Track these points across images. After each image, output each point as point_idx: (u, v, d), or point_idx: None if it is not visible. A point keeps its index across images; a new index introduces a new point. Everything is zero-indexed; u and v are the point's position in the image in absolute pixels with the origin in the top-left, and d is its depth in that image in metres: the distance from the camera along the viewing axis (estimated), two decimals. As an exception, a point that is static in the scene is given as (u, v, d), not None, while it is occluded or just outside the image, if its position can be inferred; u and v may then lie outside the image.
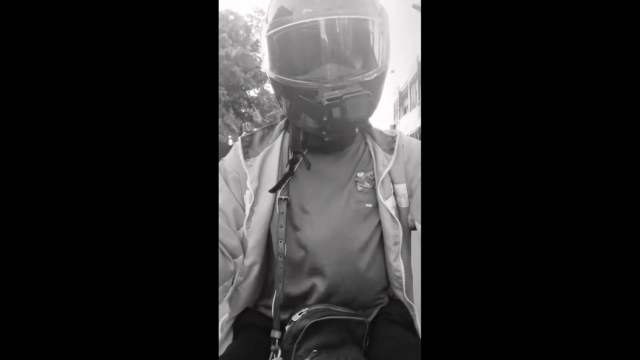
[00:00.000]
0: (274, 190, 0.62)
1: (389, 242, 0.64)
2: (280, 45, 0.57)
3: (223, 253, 0.60)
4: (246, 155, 0.66)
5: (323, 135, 0.60)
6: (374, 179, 0.65)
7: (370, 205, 0.64)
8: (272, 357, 0.56)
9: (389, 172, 0.65)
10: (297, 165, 0.65)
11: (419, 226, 0.63)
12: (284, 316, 0.61)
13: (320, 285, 0.61)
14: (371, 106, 0.58)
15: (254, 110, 11.11)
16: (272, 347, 0.57)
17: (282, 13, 0.56)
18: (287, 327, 0.57)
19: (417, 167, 0.66)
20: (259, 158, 0.66)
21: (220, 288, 0.62)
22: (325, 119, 0.55)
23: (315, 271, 0.62)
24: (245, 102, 11.24)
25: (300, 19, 0.54)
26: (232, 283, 0.65)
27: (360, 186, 0.65)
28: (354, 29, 0.55)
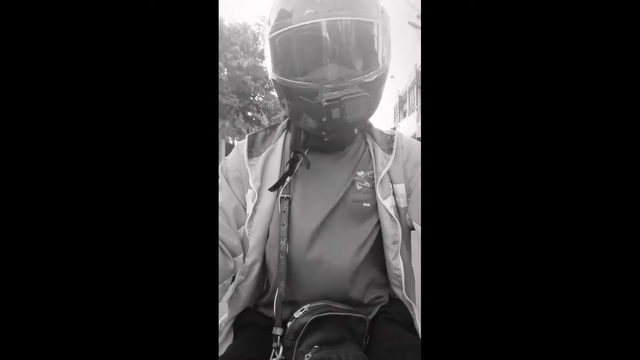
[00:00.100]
0: (274, 189, 0.61)
1: (388, 241, 0.61)
2: (282, 46, 0.55)
3: (223, 251, 0.58)
4: (250, 155, 0.65)
5: (323, 135, 0.58)
6: (373, 178, 0.63)
7: (369, 205, 0.62)
8: (274, 354, 0.54)
9: (388, 172, 0.63)
10: (298, 164, 0.63)
11: (417, 227, 0.61)
12: (286, 313, 0.59)
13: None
14: (370, 108, 0.57)
15: (261, 115, 11.32)
16: (274, 344, 0.55)
17: (283, 15, 0.54)
18: (288, 324, 0.56)
19: (416, 166, 0.64)
20: (261, 157, 0.64)
21: (219, 287, 0.60)
22: (324, 119, 0.54)
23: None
24: (255, 108, 11.49)
25: (302, 20, 0.52)
26: (232, 282, 0.64)
27: (359, 185, 0.63)
28: (355, 31, 0.53)
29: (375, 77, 0.55)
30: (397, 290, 0.64)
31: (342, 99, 0.51)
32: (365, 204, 0.62)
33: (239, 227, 0.62)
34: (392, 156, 0.63)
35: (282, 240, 0.58)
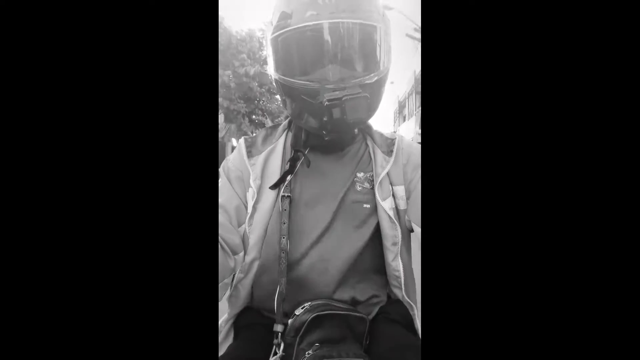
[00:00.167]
0: (274, 187, 0.60)
1: (387, 242, 0.60)
2: (285, 46, 0.54)
3: (224, 249, 0.57)
4: (249, 154, 0.63)
5: (323, 134, 0.57)
6: (373, 179, 0.62)
7: (369, 206, 0.61)
8: (275, 351, 0.52)
9: (388, 174, 0.62)
10: (299, 163, 0.62)
11: (416, 229, 0.59)
12: (286, 310, 0.57)
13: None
14: (370, 108, 0.56)
15: (266, 118, 11.47)
16: (275, 341, 0.53)
17: (286, 16, 0.53)
18: (289, 321, 0.54)
19: (415, 169, 0.63)
20: (262, 156, 0.63)
21: (220, 285, 0.59)
22: (325, 118, 0.53)
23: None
24: (260, 112, 11.69)
25: (304, 22, 0.51)
26: (232, 280, 0.62)
27: (359, 186, 0.62)
28: (356, 33, 0.52)
29: (375, 78, 0.54)
30: (396, 291, 0.63)
31: (343, 99, 0.50)
32: (365, 205, 0.61)
33: (240, 225, 0.61)
34: (392, 158, 0.62)
35: (283, 238, 0.57)
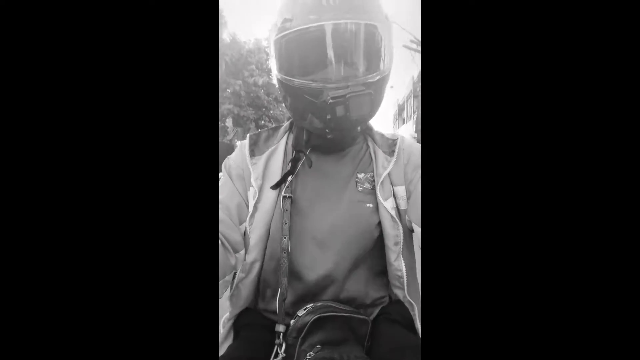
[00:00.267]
0: (275, 187, 0.58)
1: (389, 242, 0.58)
2: (288, 47, 0.53)
3: (225, 246, 0.55)
4: (252, 153, 0.62)
5: (326, 132, 0.55)
6: (374, 180, 0.60)
7: (370, 206, 0.59)
8: (277, 351, 0.50)
9: (389, 174, 0.60)
10: (300, 163, 0.60)
11: (417, 229, 0.57)
12: (287, 311, 0.56)
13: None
14: (373, 106, 0.54)
15: (272, 124, 11.79)
16: (277, 341, 0.51)
17: (289, 18, 0.52)
18: (291, 322, 0.52)
19: (416, 169, 0.61)
20: (263, 157, 0.61)
21: (220, 282, 0.57)
22: (329, 117, 0.51)
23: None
24: (266, 118, 12.03)
25: (307, 23, 0.50)
26: (233, 279, 0.61)
27: (360, 187, 0.60)
28: (359, 34, 0.51)
29: (378, 77, 0.52)
30: (397, 292, 0.60)
31: (347, 96, 0.49)
32: (367, 205, 0.59)
33: (241, 223, 0.60)
34: (394, 158, 0.60)
35: (284, 238, 0.55)
